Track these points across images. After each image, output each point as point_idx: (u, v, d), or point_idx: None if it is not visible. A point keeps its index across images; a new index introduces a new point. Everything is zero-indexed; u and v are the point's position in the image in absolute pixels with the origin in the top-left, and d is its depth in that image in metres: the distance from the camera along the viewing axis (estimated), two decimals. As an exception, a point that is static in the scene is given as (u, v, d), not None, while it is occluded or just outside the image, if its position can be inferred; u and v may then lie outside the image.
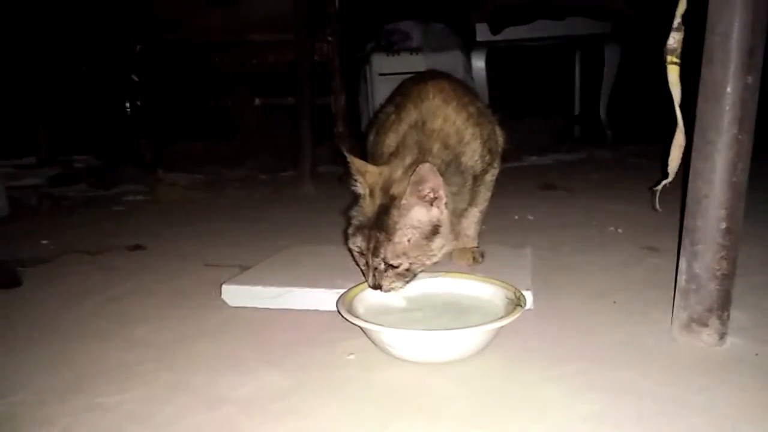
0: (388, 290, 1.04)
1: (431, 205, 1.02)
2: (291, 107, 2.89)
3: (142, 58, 2.74)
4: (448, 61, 3.24)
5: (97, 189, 2.72)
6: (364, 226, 1.04)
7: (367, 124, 3.28)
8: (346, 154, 1.06)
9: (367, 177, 1.06)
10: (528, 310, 1.05)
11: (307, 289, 1.15)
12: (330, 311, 1.09)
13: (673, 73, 0.95)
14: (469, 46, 3.58)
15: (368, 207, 1.05)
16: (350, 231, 1.07)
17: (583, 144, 3.65)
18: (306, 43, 2.61)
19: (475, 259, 1.25)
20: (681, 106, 0.96)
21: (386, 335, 0.88)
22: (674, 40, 0.94)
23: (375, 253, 1.02)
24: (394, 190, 1.03)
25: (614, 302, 1.16)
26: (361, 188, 1.07)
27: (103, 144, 3.27)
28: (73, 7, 3.06)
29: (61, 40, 3.21)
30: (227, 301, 1.20)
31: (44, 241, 1.78)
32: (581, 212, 1.94)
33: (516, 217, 1.89)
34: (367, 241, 1.03)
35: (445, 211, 1.04)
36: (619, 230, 1.69)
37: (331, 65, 2.75)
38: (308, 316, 1.13)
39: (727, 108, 0.87)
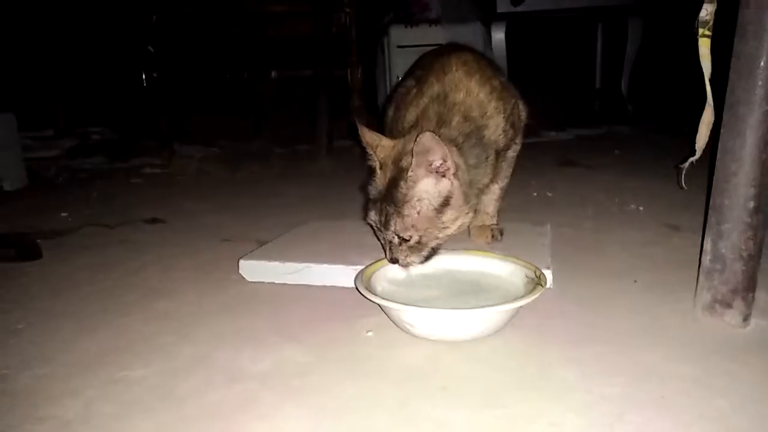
0: (405, 264, 1.04)
1: (441, 176, 0.99)
2: (308, 80, 2.85)
3: (159, 28, 2.71)
4: (468, 33, 3.18)
5: (114, 161, 2.73)
6: (376, 199, 1.04)
7: (385, 98, 3.25)
8: (358, 126, 1.05)
9: (378, 151, 1.05)
10: (548, 289, 1.04)
11: (325, 265, 1.15)
12: (348, 288, 1.09)
13: (705, 46, 0.92)
14: (489, 18, 3.52)
15: (380, 180, 1.04)
16: (367, 206, 1.07)
17: (604, 119, 3.58)
18: (323, 14, 2.57)
19: (494, 237, 1.24)
20: (710, 82, 0.93)
21: (405, 313, 0.88)
22: (707, 11, 0.91)
23: (386, 226, 1.01)
24: (404, 162, 1.01)
25: (635, 282, 1.14)
26: (373, 162, 1.05)
27: (119, 115, 3.27)
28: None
29: (78, 10, 3.19)
30: (245, 276, 1.20)
31: (63, 214, 1.79)
32: (602, 189, 1.91)
33: (535, 194, 1.87)
34: (379, 214, 1.02)
35: (456, 182, 1.01)
36: (641, 208, 1.66)
37: (348, 37, 2.70)
38: (326, 292, 1.14)
39: (760, 83, 0.84)
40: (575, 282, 1.14)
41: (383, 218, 1.01)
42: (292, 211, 1.79)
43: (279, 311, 1.06)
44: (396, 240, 1.01)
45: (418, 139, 0.94)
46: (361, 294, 0.93)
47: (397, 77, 3.18)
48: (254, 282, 1.20)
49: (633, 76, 3.74)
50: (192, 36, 2.87)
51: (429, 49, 3.11)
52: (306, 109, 3.08)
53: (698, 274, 0.98)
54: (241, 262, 1.20)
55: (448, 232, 1.03)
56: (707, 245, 0.95)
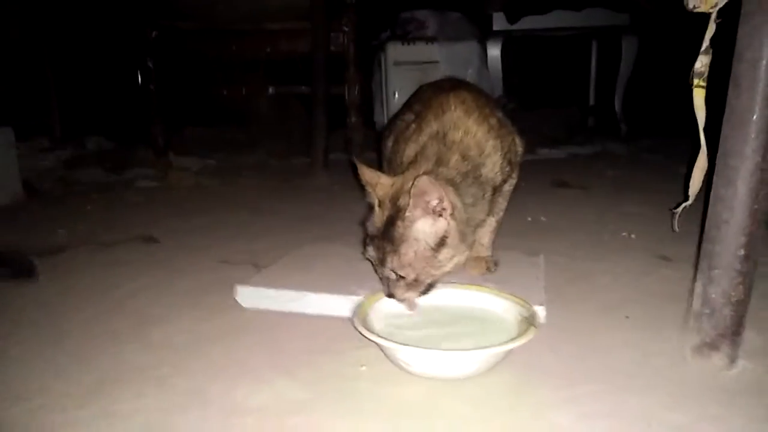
0: (402, 300, 1.05)
1: (438, 215, 1.01)
2: (305, 95, 2.87)
3: (158, 43, 2.72)
4: (464, 51, 3.22)
5: (109, 173, 2.73)
6: (374, 236, 1.05)
7: (383, 127, 3.26)
8: (358, 165, 1.06)
9: (378, 189, 1.07)
10: (541, 324, 1.05)
11: (322, 295, 1.16)
12: (343, 317, 1.10)
13: (699, 97, 0.94)
14: (485, 35, 3.55)
15: (378, 218, 1.05)
16: (364, 240, 1.08)
17: (598, 136, 3.62)
18: (322, 33, 2.58)
19: (488, 269, 1.26)
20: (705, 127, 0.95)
21: (401, 353, 0.89)
22: (701, 63, 0.93)
23: (383, 263, 1.03)
24: (402, 201, 1.03)
25: (627, 317, 1.16)
26: (371, 199, 1.07)
27: (115, 124, 3.27)
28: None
29: (77, 21, 3.20)
30: (241, 302, 1.21)
31: (60, 230, 1.79)
32: (594, 213, 1.94)
33: (529, 219, 1.89)
34: (376, 251, 1.04)
35: (452, 222, 1.02)
36: (632, 236, 1.68)
37: (347, 56, 2.72)
38: (322, 322, 1.14)
39: (753, 135, 0.86)
40: (568, 316, 1.16)
41: (381, 255, 1.02)
42: (288, 230, 1.80)
43: (274, 342, 1.07)
44: (393, 276, 1.03)
45: (415, 182, 0.96)
46: (359, 331, 0.94)
47: (394, 93, 3.22)
48: (250, 308, 1.21)
49: (627, 94, 3.78)
50: (190, 51, 2.88)
51: (425, 65, 3.15)
52: (303, 122, 3.09)
53: (688, 315, 1.00)
54: (238, 288, 1.21)
55: (445, 269, 1.04)
56: (698, 289, 0.96)
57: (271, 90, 3.02)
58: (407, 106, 1.34)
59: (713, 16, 0.91)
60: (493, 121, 1.20)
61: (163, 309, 1.22)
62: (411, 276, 1.02)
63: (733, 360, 0.95)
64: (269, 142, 3.22)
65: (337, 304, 1.14)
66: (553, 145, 3.32)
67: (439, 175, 1.07)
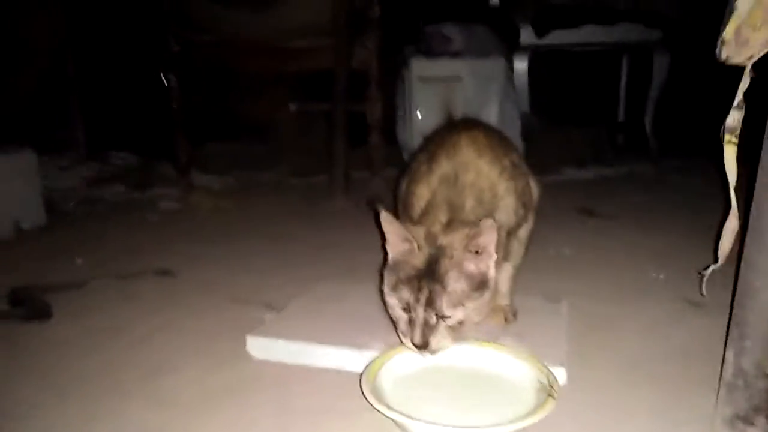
0: (436, 350, 1.00)
1: (480, 257, 1.00)
2: (327, 111, 2.84)
3: (180, 58, 2.72)
4: (489, 67, 3.15)
5: (132, 191, 2.75)
6: (412, 277, 1.00)
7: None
8: (383, 216, 1.03)
9: (412, 231, 1.03)
10: (560, 388, 1.00)
11: (331, 348, 1.13)
12: (354, 371, 1.07)
13: (730, 153, 0.88)
14: (512, 49, 3.48)
15: (416, 258, 1.01)
16: (390, 285, 1.03)
17: (626, 156, 3.53)
18: (344, 50, 2.56)
19: (507, 319, 1.21)
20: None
21: (413, 428, 0.85)
22: (734, 119, 0.87)
23: (429, 303, 0.98)
24: (442, 241, 1.01)
25: (652, 376, 1.10)
26: (407, 245, 1.02)
27: (140, 140, 3.29)
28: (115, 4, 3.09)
29: (102, 35, 3.23)
30: (252, 353, 1.18)
31: (78, 260, 1.79)
32: (621, 248, 1.87)
33: (552, 252, 1.83)
34: (416, 292, 0.98)
35: (493, 267, 1.02)
36: (661, 276, 1.61)
37: (369, 73, 2.68)
38: (332, 376, 1.11)
39: (788, 201, 0.80)
40: (589, 374, 1.10)
41: (423, 296, 0.98)
42: (304, 261, 1.78)
43: (283, 400, 1.04)
44: (434, 320, 0.98)
45: (482, 222, 0.97)
46: (368, 402, 0.90)
47: (417, 109, 3.17)
48: (260, 359, 1.18)
49: (657, 112, 3.68)
50: (212, 67, 2.88)
51: (450, 81, 3.10)
52: (324, 139, 3.07)
53: (719, 385, 0.94)
54: (249, 339, 1.18)
55: (482, 315, 1.03)
56: (729, 357, 0.91)
57: (293, 106, 3.00)
58: (421, 148, 1.30)
59: (748, 69, 0.86)
60: (507, 162, 1.16)
61: (172, 356, 1.20)
62: (458, 316, 0.99)
63: (768, 435, 0.89)
64: (290, 158, 3.21)
65: (349, 359, 1.11)
66: (580, 165, 3.25)
67: (459, 220, 1.05)
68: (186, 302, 1.47)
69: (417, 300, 0.98)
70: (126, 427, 0.97)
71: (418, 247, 1.01)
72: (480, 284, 1.00)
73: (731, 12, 0.82)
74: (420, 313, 0.98)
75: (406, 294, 0.99)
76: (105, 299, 1.50)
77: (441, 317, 0.98)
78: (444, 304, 0.97)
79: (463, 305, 0.98)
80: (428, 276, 0.98)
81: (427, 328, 0.98)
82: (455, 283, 0.98)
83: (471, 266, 1.00)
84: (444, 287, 0.97)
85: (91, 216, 2.38)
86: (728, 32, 0.84)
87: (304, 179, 3.02)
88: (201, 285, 1.58)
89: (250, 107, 3.06)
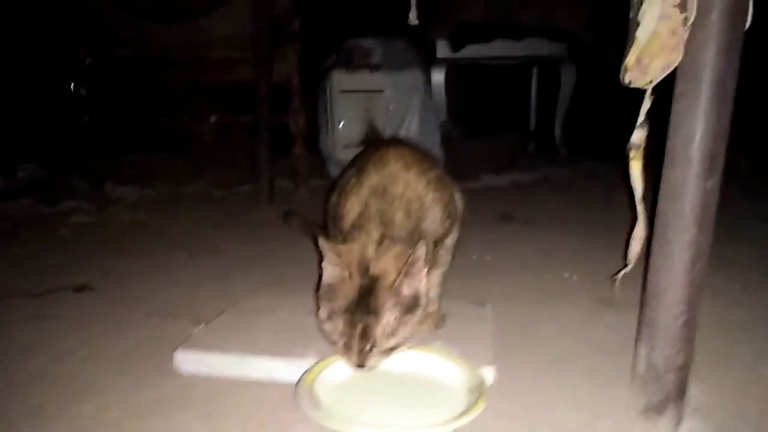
0: (372, 368, 1.03)
1: (413, 277, 1.04)
2: (249, 123, 2.81)
3: (93, 70, 2.61)
4: (409, 79, 3.22)
5: (41, 205, 2.60)
6: (345, 309, 1.02)
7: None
8: (320, 241, 1.04)
9: (342, 257, 1.04)
10: (489, 387, 1.04)
11: (265, 359, 1.12)
12: (288, 382, 1.07)
13: (636, 168, 0.96)
14: (429, 63, 3.59)
15: (348, 289, 1.03)
16: (324, 315, 1.05)
17: (539, 161, 3.70)
18: (265, 63, 2.55)
19: (436, 324, 1.25)
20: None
21: (348, 433, 0.87)
22: (638, 137, 0.95)
23: (363, 336, 1.00)
24: (374, 269, 1.03)
25: (572, 372, 1.17)
26: (338, 270, 1.04)
27: (49, 152, 3.12)
28: (20, 14, 2.92)
29: (6, 46, 3.04)
30: (181, 368, 1.15)
31: (-18, 279, 1.68)
32: (538, 251, 1.97)
33: (474, 257, 1.89)
34: (350, 325, 1.01)
35: (424, 281, 1.06)
36: (575, 277, 1.71)
37: (291, 86, 2.68)
38: (266, 388, 1.09)
39: (688, 210, 0.88)
40: (515, 372, 1.15)
41: (358, 329, 1.00)
42: (231, 274, 1.74)
43: (215, 415, 1.02)
44: (368, 348, 1.00)
45: (415, 251, 1.00)
46: (305, 411, 0.90)
47: (339, 121, 3.19)
48: (189, 374, 1.15)
49: (566, 120, 3.90)
50: (128, 78, 2.78)
51: (371, 94, 3.14)
52: (247, 150, 3.03)
53: (632, 378, 1.01)
54: (177, 353, 1.15)
55: (415, 330, 1.05)
56: (641, 352, 0.98)
57: (213, 118, 2.95)
58: (350, 164, 1.33)
59: (648, 91, 0.94)
60: (432, 175, 1.22)
61: (93, 376, 1.15)
62: (392, 343, 1.02)
63: (679, 421, 0.97)
64: (212, 170, 3.14)
65: (283, 370, 1.11)
66: (497, 172, 3.37)
67: (389, 237, 1.07)
68: (106, 318, 1.41)
69: (351, 333, 1.01)
70: (48, 454, 0.92)
71: (350, 275, 1.03)
72: (413, 305, 1.04)
73: (632, 42, 0.90)
74: (355, 343, 1.01)
75: (341, 326, 1.02)
76: (16, 320, 1.41)
77: (375, 346, 1.01)
78: (378, 336, 1.01)
79: (395, 334, 1.02)
80: (362, 309, 1.01)
81: (362, 354, 1.01)
82: (389, 314, 1.01)
83: (405, 290, 1.03)
84: (378, 320, 1.00)
85: (-5, 231, 2.24)
86: (630, 60, 0.92)
87: (226, 191, 2.97)
88: (122, 300, 1.53)
89: (169, 119, 2.97)
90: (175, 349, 1.16)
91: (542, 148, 4.05)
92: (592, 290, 1.59)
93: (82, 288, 1.60)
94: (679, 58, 0.85)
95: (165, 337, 1.29)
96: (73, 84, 2.62)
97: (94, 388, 1.11)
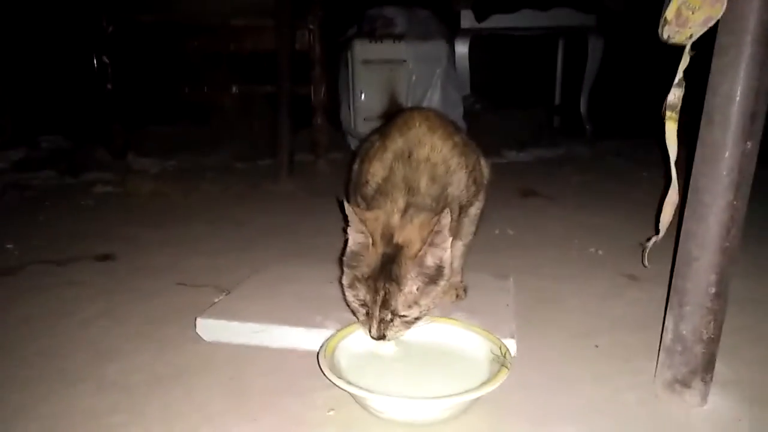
0: (392, 340, 1.02)
1: (437, 246, 1.00)
2: (270, 94, 2.80)
3: (115, 38, 2.60)
4: (432, 50, 3.16)
5: (64, 176, 2.62)
6: (367, 276, 1.00)
7: (346, 112, 3.21)
8: (346, 206, 1.02)
9: (368, 225, 1.01)
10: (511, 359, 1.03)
11: (286, 327, 1.12)
12: (309, 350, 1.07)
13: (671, 129, 0.92)
14: (453, 33, 3.52)
15: (371, 256, 1.00)
16: (347, 282, 1.03)
17: (563, 137, 3.64)
18: (287, 31, 2.52)
19: (458, 296, 1.23)
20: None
21: (372, 401, 0.86)
22: (674, 95, 0.91)
23: (384, 305, 0.98)
24: (399, 238, 1.00)
25: (596, 346, 1.15)
26: (362, 237, 1.01)
27: (72, 123, 3.14)
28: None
29: (29, 15, 3.05)
30: (202, 335, 1.16)
31: (9, 246, 1.70)
32: (561, 226, 1.93)
33: (497, 231, 1.87)
34: (373, 292, 0.99)
35: (449, 250, 1.02)
36: (600, 252, 1.68)
37: (312, 54, 2.65)
38: (287, 356, 1.10)
39: (725, 173, 0.85)
40: (537, 345, 1.14)
41: (380, 297, 0.97)
42: (251, 244, 1.74)
43: (237, 381, 1.02)
44: (389, 317, 0.99)
45: (440, 219, 0.97)
46: (327, 377, 0.90)
47: (360, 92, 3.16)
48: (211, 341, 1.15)
49: (592, 95, 3.80)
50: (150, 46, 2.77)
51: (393, 64, 3.10)
52: (268, 122, 3.02)
53: (659, 350, 0.99)
54: (199, 320, 1.15)
55: (438, 301, 1.03)
56: (668, 324, 0.95)
57: (234, 89, 2.93)
58: (373, 131, 1.31)
59: (687, 48, 0.90)
60: (458, 139, 1.19)
61: (118, 341, 1.16)
62: (414, 314, 1.00)
63: (704, 397, 0.95)
64: (234, 142, 3.14)
65: (303, 338, 1.10)
66: (520, 147, 3.32)
67: (415, 205, 1.04)
68: (130, 287, 1.42)
69: (373, 300, 0.99)
70: (73, 412, 0.93)
71: (373, 243, 1.01)
72: (436, 275, 1.01)
73: (672, -6, 0.85)
74: (376, 311, 0.99)
75: (363, 293, 1.00)
76: (42, 286, 1.43)
77: (396, 316, 1.00)
78: (399, 305, 0.98)
79: (418, 304, 0.99)
80: (384, 276, 0.98)
81: (383, 324, 0.99)
82: (412, 284, 0.99)
83: (428, 260, 1.00)
84: (400, 288, 0.98)
85: (20, 201, 2.26)
86: (669, 13, 0.88)
87: (247, 163, 2.97)
88: (145, 269, 1.54)
89: (191, 90, 2.96)
90: (197, 316, 1.17)
91: (567, 124, 3.97)
92: (617, 265, 1.56)
93: (104, 257, 1.62)
94: (722, 10, 0.81)
95: (187, 305, 1.29)
96: (95, 53, 2.61)
97: (119, 352, 1.12)
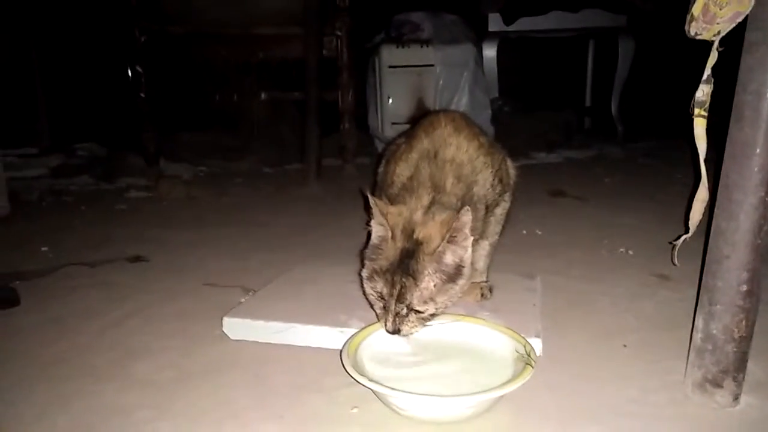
0: (407, 335, 1.02)
1: (457, 244, 1.00)
2: (298, 101, 2.83)
3: (147, 49, 2.67)
4: (459, 54, 3.16)
5: (99, 182, 2.69)
6: (385, 269, 1.00)
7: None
8: (369, 197, 1.02)
9: (389, 218, 1.02)
10: (536, 358, 1.02)
11: (310, 326, 1.13)
12: (333, 349, 1.07)
13: (700, 126, 0.90)
14: (480, 37, 3.51)
15: (390, 250, 1.01)
16: (366, 274, 1.03)
17: (594, 139, 3.59)
18: (315, 38, 2.54)
19: (483, 296, 1.22)
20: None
21: (394, 398, 0.86)
22: (703, 92, 0.89)
23: (400, 299, 0.98)
24: (419, 233, 1.00)
25: (625, 346, 1.13)
26: (382, 230, 1.02)
27: (107, 131, 3.22)
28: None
29: (66, 26, 3.14)
30: (228, 334, 1.17)
31: (44, 248, 1.75)
32: (591, 227, 1.90)
33: (524, 232, 1.85)
34: (390, 286, 0.99)
35: (470, 249, 1.01)
36: (630, 252, 1.65)
37: (340, 61, 2.67)
38: (312, 354, 1.11)
39: (756, 169, 0.83)
40: (564, 345, 1.13)
41: (396, 290, 0.98)
42: (279, 246, 1.76)
43: (262, 378, 1.03)
44: (405, 312, 0.99)
45: (460, 216, 0.96)
46: (350, 375, 0.90)
47: (388, 97, 3.17)
48: (237, 340, 1.17)
49: (623, 96, 3.75)
50: (181, 56, 2.82)
51: (421, 69, 3.10)
52: (296, 128, 3.06)
53: (689, 349, 0.97)
54: (225, 319, 1.17)
55: (455, 299, 1.02)
56: (699, 323, 0.93)
57: (263, 95, 2.97)
58: (400, 134, 1.31)
59: (715, 45, 0.88)
60: (483, 139, 1.19)
61: (147, 340, 1.18)
62: (430, 310, 1.00)
63: (736, 397, 0.92)
64: (262, 148, 3.18)
65: (327, 337, 1.11)
66: (549, 149, 3.29)
67: (439, 203, 1.04)
68: (160, 287, 1.45)
69: (390, 293, 0.99)
70: (101, 408, 0.95)
71: (393, 236, 1.01)
72: (455, 274, 1.00)
73: (699, -10, 0.84)
74: (392, 305, 0.99)
75: (380, 285, 1.01)
76: (75, 286, 1.47)
77: (412, 310, 1.00)
78: (415, 300, 0.98)
79: (434, 300, 0.99)
80: (401, 270, 0.98)
81: (399, 318, 1.00)
82: (429, 280, 0.98)
83: (447, 257, 1.00)
84: (416, 283, 0.98)
85: (56, 206, 2.33)
86: (696, 9, 0.87)
87: (276, 168, 3.00)
88: (175, 270, 1.56)
89: (221, 97, 3.02)
90: (223, 316, 1.18)
91: (598, 126, 3.92)
92: (648, 265, 1.53)
93: (136, 259, 1.65)
94: (751, 6, 0.79)
95: (215, 305, 1.31)
96: (129, 63, 2.68)
97: (147, 351, 1.14)
